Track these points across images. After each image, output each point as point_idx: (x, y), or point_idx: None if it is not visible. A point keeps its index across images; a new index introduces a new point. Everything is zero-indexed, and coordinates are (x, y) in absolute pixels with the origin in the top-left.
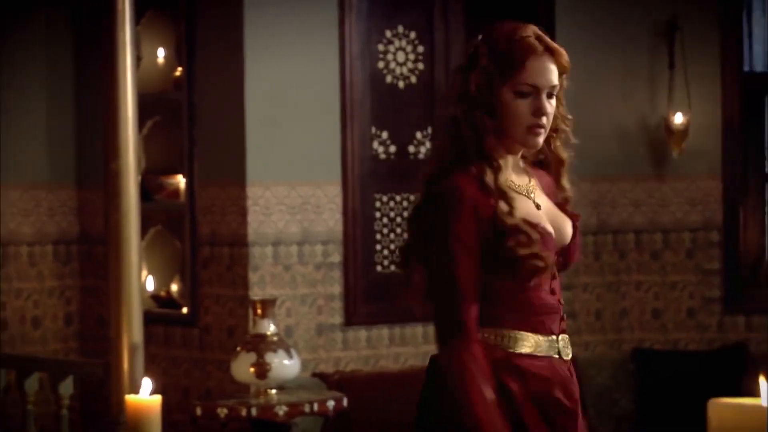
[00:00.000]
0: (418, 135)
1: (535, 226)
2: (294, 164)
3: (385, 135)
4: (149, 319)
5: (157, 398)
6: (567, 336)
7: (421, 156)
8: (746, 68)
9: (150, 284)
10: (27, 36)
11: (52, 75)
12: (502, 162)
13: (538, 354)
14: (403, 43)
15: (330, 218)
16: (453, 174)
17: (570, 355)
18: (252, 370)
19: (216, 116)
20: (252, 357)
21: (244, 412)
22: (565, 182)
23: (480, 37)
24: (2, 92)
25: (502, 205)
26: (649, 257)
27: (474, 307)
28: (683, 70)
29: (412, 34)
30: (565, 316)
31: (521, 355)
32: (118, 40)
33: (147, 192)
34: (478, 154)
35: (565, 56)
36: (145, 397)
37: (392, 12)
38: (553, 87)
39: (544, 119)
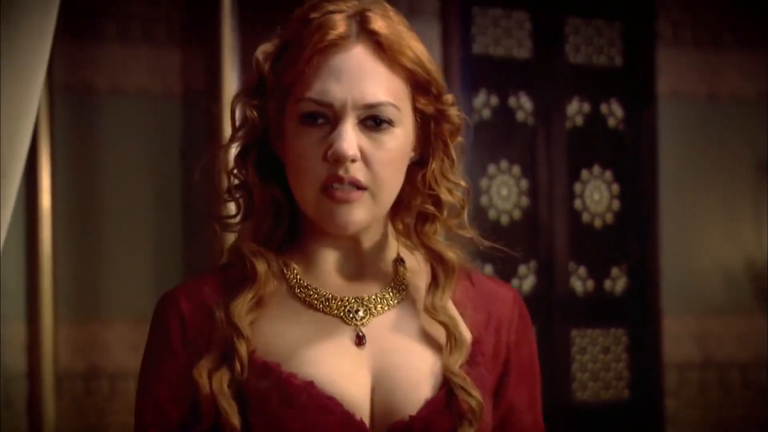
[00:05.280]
0: None
1: (294, 386)
2: None
3: None
4: None
5: None
6: None
7: None
8: None
9: None
10: None
11: None
12: (317, 251)
13: None
14: None
15: None
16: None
17: None
18: None
19: None
20: None
21: None
22: (441, 299)
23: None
24: None
25: (239, 339)
26: (754, 393)
27: None
28: None
29: None
30: None
31: None
32: None
33: None
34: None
35: (409, 48)
36: None
37: None
38: (374, 106)
39: (348, 168)
